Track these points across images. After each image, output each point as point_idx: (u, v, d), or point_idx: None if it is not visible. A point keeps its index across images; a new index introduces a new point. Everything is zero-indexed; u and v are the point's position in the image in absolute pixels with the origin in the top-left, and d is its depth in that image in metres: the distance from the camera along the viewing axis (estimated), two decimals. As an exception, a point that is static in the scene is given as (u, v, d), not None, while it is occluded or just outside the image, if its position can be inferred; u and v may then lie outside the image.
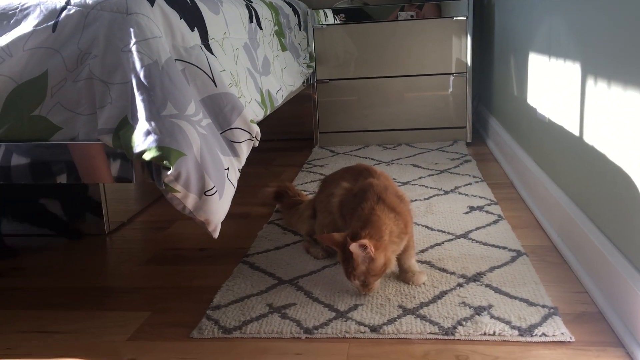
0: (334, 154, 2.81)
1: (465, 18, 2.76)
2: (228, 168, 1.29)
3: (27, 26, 1.21)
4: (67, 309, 1.40)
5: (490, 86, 2.94)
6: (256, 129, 1.37)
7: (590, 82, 1.40)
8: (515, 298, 1.30)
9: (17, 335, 1.28)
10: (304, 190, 2.18)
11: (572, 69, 1.54)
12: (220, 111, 1.31)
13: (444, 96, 2.87)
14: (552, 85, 1.74)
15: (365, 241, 1.26)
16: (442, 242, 1.64)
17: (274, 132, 3.23)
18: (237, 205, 2.03)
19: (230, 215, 1.32)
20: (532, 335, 1.16)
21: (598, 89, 1.34)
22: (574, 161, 1.53)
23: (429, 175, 2.32)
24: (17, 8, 1.22)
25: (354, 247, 1.25)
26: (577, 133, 1.50)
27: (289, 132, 3.28)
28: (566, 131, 1.59)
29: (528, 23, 2.06)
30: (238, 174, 1.35)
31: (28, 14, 1.21)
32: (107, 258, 1.70)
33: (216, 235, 1.28)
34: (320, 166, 2.57)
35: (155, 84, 1.16)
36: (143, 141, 1.15)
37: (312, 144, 3.02)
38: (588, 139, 1.42)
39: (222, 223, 1.30)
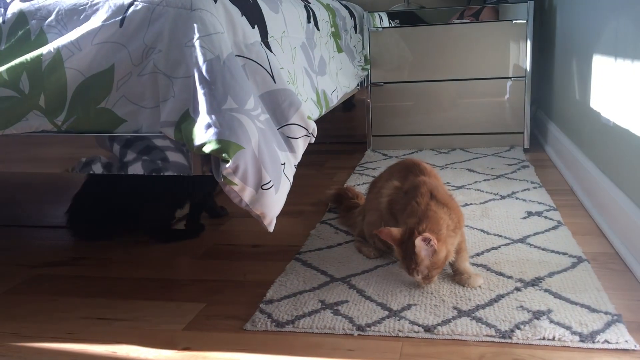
0: (386, 157, 2.80)
1: (525, 21, 2.70)
2: (284, 163, 1.30)
3: (96, 21, 1.25)
4: (126, 298, 1.43)
5: (550, 91, 2.87)
6: (313, 126, 1.37)
7: (660, 82, 1.34)
8: (576, 304, 1.26)
9: (78, 321, 1.32)
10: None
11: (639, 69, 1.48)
12: (278, 107, 1.32)
13: (500, 100, 2.81)
14: (617, 88, 1.68)
15: (429, 235, 1.26)
16: (499, 246, 1.61)
17: (327, 135, 3.24)
18: (290, 204, 2.03)
19: (283, 214, 1.33)
20: (594, 342, 1.11)
21: (669, 89, 1.28)
22: (641, 165, 1.47)
23: (485, 180, 2.28)
24: (87, 4, 1.27)
25: (419, 240, 1.26)
26: (644, 136, 1.45)
27: (342, 136, 3.28)
28: (632, 135, 1.53)
29: (592, 25, 2.00)
30: (294, 170, 1.36)
31: (97, 10, 1.26)
32: (164, 251, 1.74)
33: (271, 229, 1.29)
34: (372, 169, 2.56)
35: (216, 79, 1.18)
36: (204, 134, 1.17)
37: (365, 147, 3.01)
38: (657, 141, 1.36)
39: (276, 221, 1.31)
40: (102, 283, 1.53)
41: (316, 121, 1.43)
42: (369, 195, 1.67)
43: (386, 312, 1.27)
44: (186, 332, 1.25)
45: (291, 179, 1.33)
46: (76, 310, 1.38)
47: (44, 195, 2.00)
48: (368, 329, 1.21)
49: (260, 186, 1.23)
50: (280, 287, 1.43)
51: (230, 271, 1.56)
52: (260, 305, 1.33)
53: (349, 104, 3.22)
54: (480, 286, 1.36)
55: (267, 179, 1.23)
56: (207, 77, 1.18)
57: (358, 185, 2.31)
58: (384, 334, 1.20)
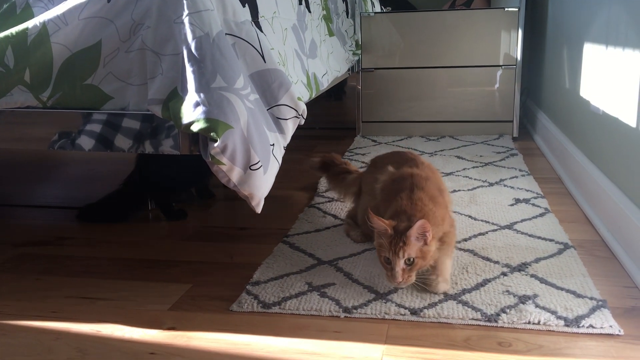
0: (376, 143, 2.79)
1: (517, 9, 2.70)
2: (274, 144, 1.29)
3: (83, -5, 1.23)
4: (111, 278, 1.42)
5: (540, 80, 2.87)
6: (303, 107, 1.36)
7: (650, 70, 1.34)
8: (562, 289, 1.26)
9: (62, 300, 1.31)
10: (346, 177, 2.17)
11: (631, 58, 1.48)
12: (268, 87, 1.31)
13: (490, 88, 2.81)
14: (608, 76, 1.69)
15: (428, 224, 1.20)
16: (486, 232, 1.61)
17: (317, 121, 3.22)
18: (278, 188, 2.03)
19: (271, 198, 1.32)
20: (578, 327, 1.12)
21: (659, 76, 1.29)
22: (629, 154, 1.47)
23: (473, 167, 2.28)
24: (75, -23, 1.25)
25: (422, 222, 1.19)
26: (633, 124, 1.45)
27: (331, 122, 3.27)
28: (622, 123, 1.54)
29: (584, 13, 2.00)
30: (283, 151, 1.35)
31: (85, -16, 1.23)
32: (149, 233, 1.73)
33: (259, 210, 1.28)
34: (362, 154, 2.56)
35: (205, 56, 1.17)
36: (192, 112, 1.16)
37: (354, 133, 3.01)
38: (645, 129, 1.36)
39: (264, 204, 1.30)
40: (86, 263, 1.51)
41: (306, 107, 1.41)
42: (367, 177, 1.61)
43: (373, 295, 1.27)
44: (171, 312, 1.24)
45: (280, 160, 1.32)
46: (60, 289, 1.36)
47: (29, 174, 1.97)
48: (354, 311, 1.21)
49: (249, 166, 1.22)
50: (267, 269, 1.42)
51: (216, 253, 1.55)
52: (247, 287, 1.33)
53: (339, 92, 3.21)
54: (444, 292, 1.27)
55: (256, 159, 1.22)
56: (196, 55, 1.17)
57: (347, 170, 2.30)
58: (370, 317, 1.20)
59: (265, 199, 1.30)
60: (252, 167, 1.22)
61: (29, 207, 1.98)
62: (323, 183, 2.10)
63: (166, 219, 1.84)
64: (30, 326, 1.20)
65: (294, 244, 1.57)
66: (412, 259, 1.22)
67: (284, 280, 1.36)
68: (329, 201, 1.92)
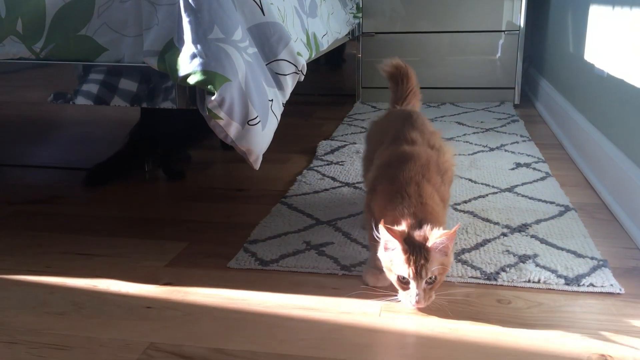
0: (375, 109, 2.76)
1: (521, -27, 2.64)
2: (272, 100, 1.27)
3: (76, -58, 1.18)
4: (107, 235, 1.40)
5: (543, 46, 2.83)
6: (302, 62, 1.33)
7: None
8: (562, 249, 1.25)
9: (57, 256, 1.29)
10: (344, 142, 2.14)
11: (638, 17, 1.44)
12: (267, 41, 1.27)
13: (492, 55, 2.76)
14: (614, 38, 1.65)
15: (454, 234, 0.99)
16: (486, 195, 1.59)
17: (316, 87, 3.18)
18: (277, 151, 2.01)
19: (269, 160, 1.29)
20: (579, 285, 1.11)
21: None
22: (633, 115, 1.45)
23: (474, 133, 2.26)
24: None
25: (450, 235, 0.97)
26: (639, 85, 1.42)
27: (331, 88, 3.22)
28: (627, 84, 1.51)
29: (591, -26, 1.95)
30: (282, 108, 1.32)
31: None
32: (145, 193, 1.71)
33: (257, 166, 1.26)
34: (361, 120, 2.53)
35: (202, 6, 1.13)
36: (188, 64, 1.13)
37: (354, 100, 2.97)
38: (651, 89, 1.34)
39: (261, 167, 1.27)
40: (82, 221, 1.50)
41: (305, 73, 1.35)
42: (370, 139, 1.40)
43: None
44: (168, 269, 1.23)
45: (279, 117, 1.30)
46: (55, 246, 1.35)
47: (24, 135, 1.94)
48: (353, 269, 1.20)
49: (247, 122, 1.19)
50: (264, 228, 1.41)
51: (213, 213, 1.54)
52: (245, 245, 1.31)
53: (339, 59, 3.16)
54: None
55: (254, 114, 1.19)
56: (192, 4, 1.13)
57: (347, 134, 2.28)
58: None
59: (262, 161, 1.28)
60: (251, 123, 1.19)
61: (24, 167, 1.95)
62: (322, 146, 2.08)
63: (166, 178, 1.82)
64: (25, 280, 1.18)
65: (292, 205, 1.55)
66: (434, 277, 1.00)
67: (282, 239, 1.35)
68: (328, 164, 1.90)
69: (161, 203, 1.63)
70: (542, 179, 1.71)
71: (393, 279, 1.03)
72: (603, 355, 0.91)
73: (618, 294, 1.09)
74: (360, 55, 2.88)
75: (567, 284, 1.12)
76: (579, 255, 1.22)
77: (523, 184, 1.67)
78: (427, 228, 1.00)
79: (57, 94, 1.26)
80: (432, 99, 2.86)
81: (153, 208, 1.59)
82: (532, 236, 1.32)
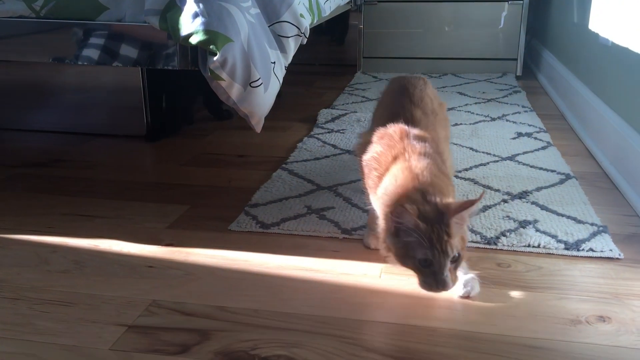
0: (376, 79, 2.74)
1: (527, -58, 2.60)
2: (275, 62, 1.26)
3: None
4: (108, 198, 1.41)
5: (547, 17, 2.80)
6: (305, 24, 1.32)
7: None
8: (563, 215, 1.25)
9: (59, 217, 1.30)
10: (345, 110, 2.13)
11: (645, -16, 1.43)
12: (270, 2, 1.26)
13: (495, 25, 2.74)
14: (619, 6, 1.63)
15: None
16: (487, 163, 1.59)
17: (317, 58, 3.16)
18: (278, 119, 2.00)
19: (270, 128, 1.28)
20: (578, 250, 1.12)
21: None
22: (637, 82, 1.44)
23: (475, 103, 2.25)
24: None
25: (473, 201, 0.89)
26: (644, 53, 1.41)
27: (332, 59, 3.20)
28: (631, 52, 1.50)
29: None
30: (284, 71, 1.32)
31: None
32: (147, 158, 1.70)
33: (259, 129, 1.25)
34: (362, 90, 2.51)
35: (205, -36, 1.11)
36: (190, 24, 1.12)
37: (355, 70, 2.95)
38: (657, 57, 1.33)
39: (262, 134, 1.26)
40: (83, 184, 1.50)
41: (307, 42, 1.32)
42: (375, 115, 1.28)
43: (372, 218, 1.26)
44: (170, 230, 1.23)
45: (281, 79, 1.29)
46: (56, 207, 1.35)
47: (23, 99, 1.93)
48: (354, 232, 1.21)
49: (249, 83, 1.18)
50: (265, 192, 1.41)
51: (214, 178, 1.54)
52: (245, 208, 1.32)
53: (340, 31, 3.13)
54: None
55: (257, 76, 1.18)
56: (195, -38, 1.11)
57: (348, 104, 2.27)
58: (369, 238, 1.19)
59: (263, 129, 1.27)
60: (253, 84, 1.19)
61: (25, 131, 1.94)
62: (322, 115, 2.07)
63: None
64: (27, 240, 1.19)
65: (292, 171, 1.55)
66: (457, 254, 0.91)
67: (283, 203, 1.35)
68: (329, 132, 1.90)
69: (162, 168, 1.63)
70: (544, 148, 1.70)
71: (411, 265, 0.92)
72: (601, 317, 0.92)
73: (617, 259, 1.10)
74: (361, 26, 2.85)
75: (567, 249, 1.12)
76: (579, 222, 1.22)
77: (524, 152, 1.67)
78: (438, 200, 0.91)
79: (57, 59, 1.25)
80: (434, 70, 2.84)
81: (154, 172, 1.59)
82: (533, 203, 1.32)
